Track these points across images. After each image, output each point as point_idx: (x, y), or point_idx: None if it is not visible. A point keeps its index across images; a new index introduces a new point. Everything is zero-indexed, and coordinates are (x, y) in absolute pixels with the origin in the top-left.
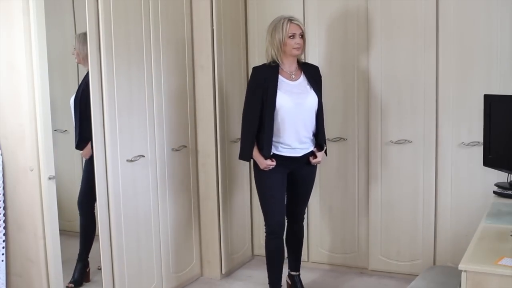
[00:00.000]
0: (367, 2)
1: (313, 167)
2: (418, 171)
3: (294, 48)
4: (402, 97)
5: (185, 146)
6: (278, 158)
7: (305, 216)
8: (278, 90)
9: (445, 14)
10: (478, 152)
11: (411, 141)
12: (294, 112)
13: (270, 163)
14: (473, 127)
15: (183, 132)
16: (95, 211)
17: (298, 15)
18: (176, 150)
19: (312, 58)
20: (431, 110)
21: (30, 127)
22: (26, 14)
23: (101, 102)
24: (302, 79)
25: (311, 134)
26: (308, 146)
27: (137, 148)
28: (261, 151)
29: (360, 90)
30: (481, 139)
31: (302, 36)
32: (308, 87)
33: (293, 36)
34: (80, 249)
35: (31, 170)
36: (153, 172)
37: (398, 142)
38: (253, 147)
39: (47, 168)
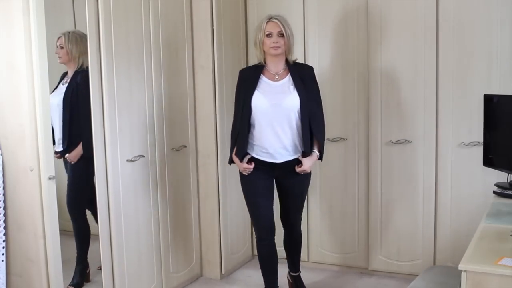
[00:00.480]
0: (367, 2)
1: (302, 177)
2: (418, 171)
3: (271, 47)
4: (402, 97)
5: (185, 146)
6: (258, 162)
7: (305, 216)
8: (256, 90)
9: (445, 14)
10: (478, 152)
11: (411, 141)
12: (271, 113)
13: (247, 166)
14: (473, 127)
15: (183, 132)
16: (87, 213)
17: (298, 15)
18: (176, 150)
19: (312, 58)
20: (431, 110)
21: (30, 127)
22: (26, 14)
23: (101, 101)
24: (287, 80)
25: (297, 139)
26: (291, 154)
27: (137, 148)
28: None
29: (360, 90)
30: (481, 139)
31: (283, 35)
32: (291, 87)
33: (270, 35)
34: (77, 252)
35: (31, 170)
36: (153, 172)
37: (398, 142)
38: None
39: (47, 168)
